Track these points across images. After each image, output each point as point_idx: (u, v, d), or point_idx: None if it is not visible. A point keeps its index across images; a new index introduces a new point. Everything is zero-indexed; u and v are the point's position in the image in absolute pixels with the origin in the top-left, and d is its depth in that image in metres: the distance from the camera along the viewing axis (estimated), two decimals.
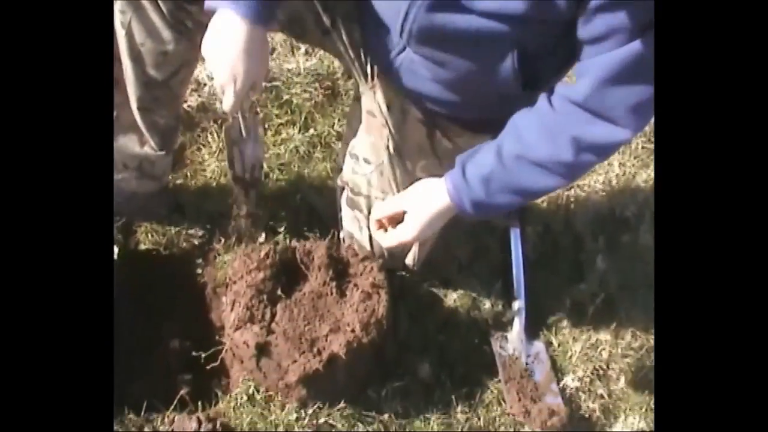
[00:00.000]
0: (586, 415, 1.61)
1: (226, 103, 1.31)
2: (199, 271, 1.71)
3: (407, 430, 1.54)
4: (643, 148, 2.04)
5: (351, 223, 1.64)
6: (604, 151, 1.26)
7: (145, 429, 1.48)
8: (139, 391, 1.57)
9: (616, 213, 1.91)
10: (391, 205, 1.44)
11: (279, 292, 1.51)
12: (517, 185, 1.29)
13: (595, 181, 1.98)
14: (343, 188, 1.64)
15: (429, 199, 1.37)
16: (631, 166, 2.02)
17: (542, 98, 1.26)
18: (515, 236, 1.73)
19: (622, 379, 1.66)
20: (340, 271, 1.57)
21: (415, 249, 1.63)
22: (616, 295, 1.77)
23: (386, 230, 1.46)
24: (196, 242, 1.71)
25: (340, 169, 1.65)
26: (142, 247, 1.69)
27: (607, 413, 1.63)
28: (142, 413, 1.49)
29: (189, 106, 1.88)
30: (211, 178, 1.80)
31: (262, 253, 1.54)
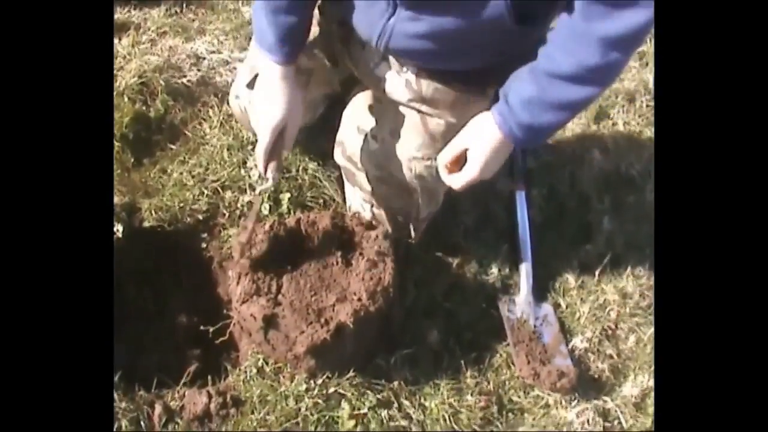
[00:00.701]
0: (596, 376, 1.56)
1: (257, 149, 1.36)
2: (205, 245, 1.65)
3: (417, 396, 1.48)
4: (647, 106, 1.96)
5: (354, 200, 1.59)
6: (630, 43, 1.16)
7: (156, 404, 1.43)
8: (149, 366, 1.53)
9: (622, 172, 1.83)
10: (453, 147, 1.37)
11: (285, 263, 1.46)
12: (557, 101, 1.23)
13: (600, 141, 1.90)
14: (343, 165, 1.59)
15: (483, 136, 1.31)
16: (636, 124, 1.94)
17: (564, 10, 1.19)
18: (521, 199, 1.67)
19: (631, 338, 1.60)
20: (345, 240, 1.53)
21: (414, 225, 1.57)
22: (622, 254, 1.71)
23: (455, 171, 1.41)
24: (200, 217, 1.66)
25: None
26: (147, 224, 1.63)
27: (617, 373, 1.57)
28: (153, 389, 1.44)
29: (188, 80, 1.81)
30: (213, 152, 1.72)
31: (267, 226, 1.49)
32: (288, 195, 1.65)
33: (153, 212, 1.64)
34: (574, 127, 1.91)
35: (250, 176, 1.69)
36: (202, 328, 1.49)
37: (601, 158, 1.84)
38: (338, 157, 1.57)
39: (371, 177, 1.52)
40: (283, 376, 1.47)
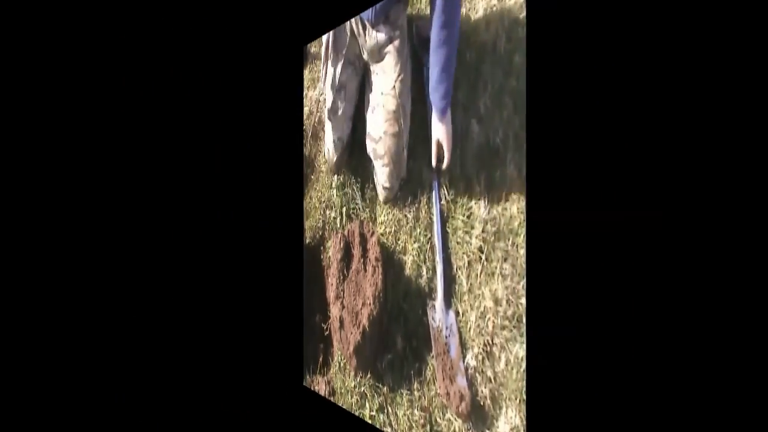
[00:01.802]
0: (481, 402, 1.18)
1: None
2: (321, 256, 1.91)
3: (393, 405, 1.48)
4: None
5: (380, 176, 1.63)
6: None
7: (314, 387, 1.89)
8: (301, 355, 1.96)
9: (491, 143, 1.16)
10: (433, 147, 1.46)
11: (345, 271, 1.68)
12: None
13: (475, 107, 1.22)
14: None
15: (435, 124, 1.42)
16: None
17: None
18: (435, 191, 1.33)
19: (502, 357, 1.11)
20: (364, 247, 1.61)
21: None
22: (494, 247, 1.15)
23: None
24: (320, 233, 1.93)
25: None
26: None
27: (494, 402, 1.14)
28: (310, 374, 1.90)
29: None
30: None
31: (338, 237, 1.70)
32: (344, 209, 1.77)
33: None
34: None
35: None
36: (321, 325, 1.83)
37: (477, 129, 1.20)
38: (371, 149, 1.63)
39: (384, 138, 1.57)
40: (346, 373, 1.68)
